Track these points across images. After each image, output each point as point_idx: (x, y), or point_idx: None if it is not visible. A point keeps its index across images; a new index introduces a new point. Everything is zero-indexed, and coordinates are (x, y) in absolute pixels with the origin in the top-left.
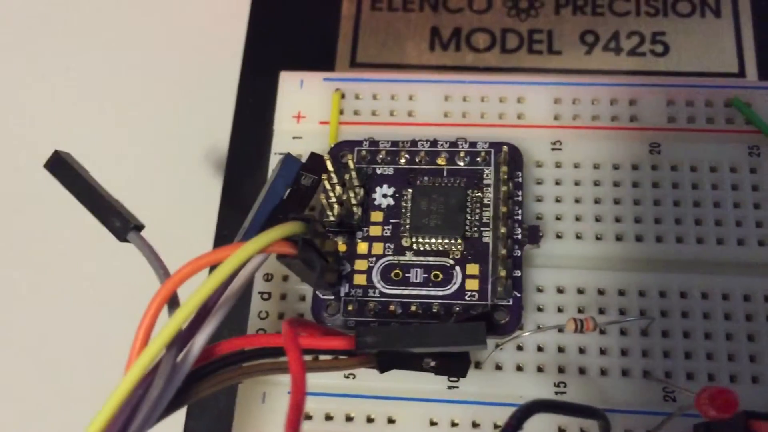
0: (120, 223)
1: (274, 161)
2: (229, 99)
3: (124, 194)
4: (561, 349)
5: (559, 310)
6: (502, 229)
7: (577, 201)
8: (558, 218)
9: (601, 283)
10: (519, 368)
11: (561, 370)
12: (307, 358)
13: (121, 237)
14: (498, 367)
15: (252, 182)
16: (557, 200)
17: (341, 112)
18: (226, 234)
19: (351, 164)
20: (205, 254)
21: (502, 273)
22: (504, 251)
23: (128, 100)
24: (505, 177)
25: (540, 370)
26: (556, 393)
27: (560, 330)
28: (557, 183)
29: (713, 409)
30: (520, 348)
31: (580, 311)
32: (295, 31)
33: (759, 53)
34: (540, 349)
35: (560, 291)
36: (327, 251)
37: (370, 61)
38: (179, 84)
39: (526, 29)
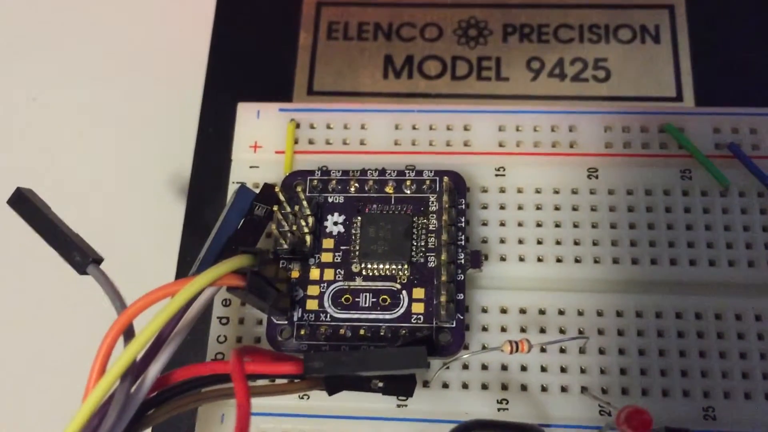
0: (80, 257)
1: (232, 190)
2: (192, 129)
3: (89, 221)
4: (504, 367)
5: (503, 330)
6: (443, 256)
7: (520, 225)
8: (502, 241)
9: (542, 303)
10: (464, 386)
11: (504, 387)
12: (263, 382)
13: (81, 270)
14: (445, 386)
15: (213, 209)
16: (501, 224)
17: (296, 142)
18: (189, 260)
19: (301, 195)
20: (157, 289)
21: (443, 298)
22: (444, 277)
23: (94, 128)
24: (447, 205)
25: (484, 387)
26: (499, 410)
27: (503, 350)
28: (501, 207)
29: (630, 428)
30: (465, 367)
31: (522, 330)
32: (254, 61)
33: (695, 78)
34: (484, 367)
35: (503, 311)
36: (280, 278)
37: (327, 90)
38: (144, 115)
39: (476, 56)
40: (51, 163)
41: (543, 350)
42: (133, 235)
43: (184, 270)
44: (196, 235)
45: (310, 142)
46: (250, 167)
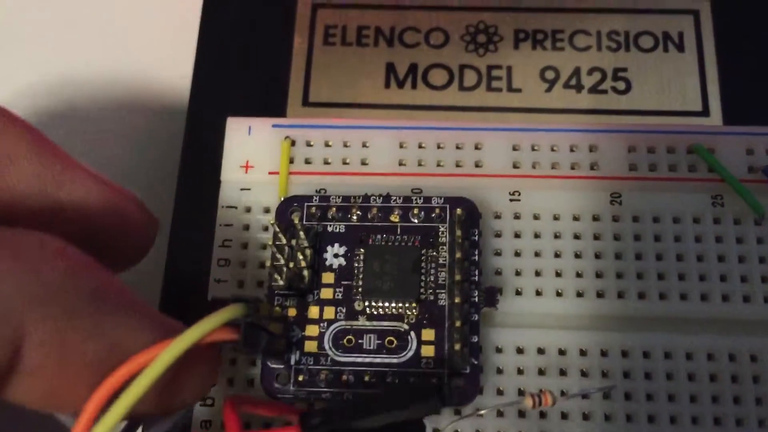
0: None
1: (222, 215)
2: (175, 148)
3: None
4: (521, 414)
5: (520, 372)
6: (456, 297)
7: (536, 255)
8: (518, 273)
9: (562, 342)
10: None
11: None
12: None
13: None
14: None
15: (200, 235)
16: (516, 254)
17: (291, 161)
18: (174, 292)
19: (298, 225)
20: (133, 359)
21: (456, 345)
22: (457, 320)
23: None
24: (460, 240)
25: None
26: None
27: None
28: (516, 236)
29: None
30: (479, 415)
31: (540, 373)
32: (244, 69)
33: (723, 91)
34: (500, 414)
35: (520, 351)
36: (274, 318)
37: (324, 101)
38: (120, 130)
39: (485, 65)
40: None
41: (563, 394)
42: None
43: (168, 306)
44: (182, 266)
45: (307, 161)
46: (241, 189)
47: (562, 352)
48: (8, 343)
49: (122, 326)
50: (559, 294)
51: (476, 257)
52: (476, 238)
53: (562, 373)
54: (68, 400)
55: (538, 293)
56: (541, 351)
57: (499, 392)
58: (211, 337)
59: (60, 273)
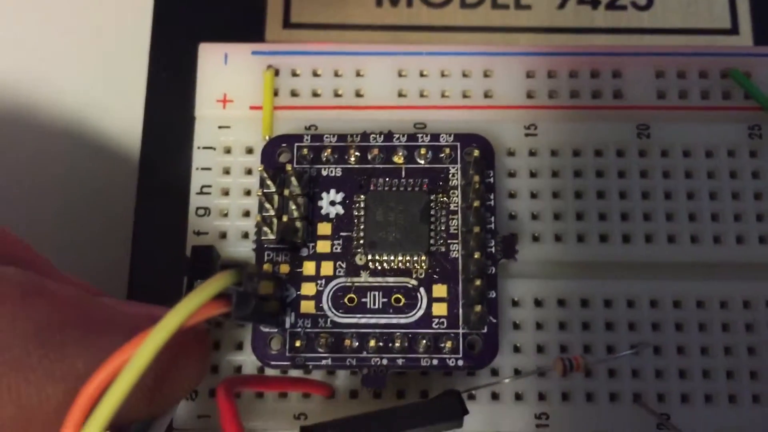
0: None
1: (198, 156)
2: (139, 79)
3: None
4: (541, 373)
5: (539, 327)
6: (476, 255)
7: (555, 196)
8: (534, 217)
9: (585, 293)
10: (494, 397)
11: (542, 397)
12: None
13: None
14: (471, 397)
15: (172, 181)
16: (533, 195)
17: (276, 94)
18: (143, 250)
19: (289, 170)
20: (109, 360)
21: (474, 306)
22: (477, 280)
23: (22, 88)
24: (477, 186)
25: (518, 398)
26: (538, 426)
27: (541, 374)
28: (532, 175)
29: None
30: (494, 373)
31: (561, 327)
32: None
33: (754, 6)
34: (518, 372)
35: (539, 304)
36: (265, 276)
37: (307, 21)
38: (76, 64)
39: None
40: None
41: (586, 350)
42: (74, 221)
43: (138, 263)
44: (153, 217)
45: (293, 94)
46: (219, 127)
47: (584, 304)
48: None
49: (85, 354)
50: (581, 239)
51: (492, 202)
52: (492, 180)
53: (585, 327)
54: None
55: (558, 239)
56: (561, 303)
57: (516, 350)
58: (198, 315)
59: None
